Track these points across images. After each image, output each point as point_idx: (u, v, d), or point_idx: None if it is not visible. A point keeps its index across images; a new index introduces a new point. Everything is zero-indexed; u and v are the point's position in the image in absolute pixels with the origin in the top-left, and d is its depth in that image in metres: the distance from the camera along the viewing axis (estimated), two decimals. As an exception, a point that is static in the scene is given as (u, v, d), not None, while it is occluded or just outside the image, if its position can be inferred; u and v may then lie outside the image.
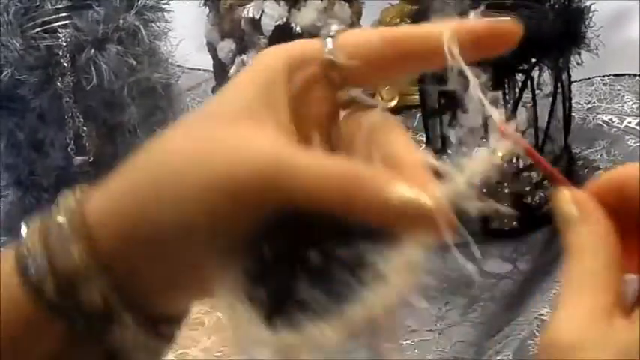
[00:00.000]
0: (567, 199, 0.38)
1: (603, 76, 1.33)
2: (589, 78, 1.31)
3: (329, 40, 0.42)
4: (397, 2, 1.34)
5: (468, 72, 0.40)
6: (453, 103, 1.04)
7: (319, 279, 0.39)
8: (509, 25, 0.41)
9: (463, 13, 0.85)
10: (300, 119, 0.42)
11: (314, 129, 0.42)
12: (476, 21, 0.41)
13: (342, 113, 0.44)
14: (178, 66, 1.22)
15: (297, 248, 0.39)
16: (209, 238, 0.39)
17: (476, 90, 0.40)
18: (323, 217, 0.38)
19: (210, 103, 0.42)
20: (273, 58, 0.42)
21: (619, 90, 1.31)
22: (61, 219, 0.41)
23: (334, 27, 0.40)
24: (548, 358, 0.34)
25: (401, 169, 0.39)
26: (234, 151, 0.39)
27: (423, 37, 0.41)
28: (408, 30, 0.42)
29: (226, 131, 0.40)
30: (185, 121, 0.42)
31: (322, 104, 0.43)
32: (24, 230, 0.42)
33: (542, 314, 0.89)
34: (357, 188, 0.38)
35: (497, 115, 0.39)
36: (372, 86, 0.43)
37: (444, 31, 0.40)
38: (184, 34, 1.14)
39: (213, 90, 1.26)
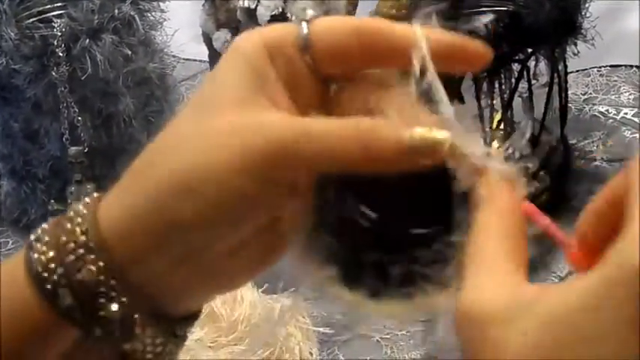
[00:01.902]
0: (481, 183, 0.38)
1: (600, 67, 1.33)
2: (586, 69, 1.31)
3: (304, 24, 0.42)
4: (393, -7, 1.33)
5: (436, 78, 0.40)
6: (449, 94, 1.03)
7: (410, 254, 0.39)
8: (481, 47, 0.42)
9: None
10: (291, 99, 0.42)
11: (305, 108, 0.42)
12: (452, 34, 0.41)
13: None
14: (174, 56, 1.21)
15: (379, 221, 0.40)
16: (240, 221, 0.40)
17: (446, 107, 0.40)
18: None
19: (203, 95, 0.42)
20: (251, 43, 0.41)
21: (615, 81, 1.31)
22: (76, 232, 0.40)
23: (309, 12, 0.40)
24: (466, 332, 0.34)
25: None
26: (249, 130, 0.39)
27: (396, 35, 0.41)
28: (384, 24, 0.41)
29: (233, 117, 0.39)
30: (186, 114, 0.41)
31: (306, 84, 0.43)
32: (35, 239, 0.42)
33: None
34: (372, 136, 0.38)
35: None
36: (343, 75, 0.43)
37: (418, 33, 0.40)
38: (179, 24, 1.13)
39: (209, 80, 1.25)
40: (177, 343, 0.44)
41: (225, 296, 0.86)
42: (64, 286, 0.40)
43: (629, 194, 0.33)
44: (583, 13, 1.04)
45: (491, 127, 1.05)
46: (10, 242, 1.09)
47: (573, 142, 1.17)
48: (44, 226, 0.42)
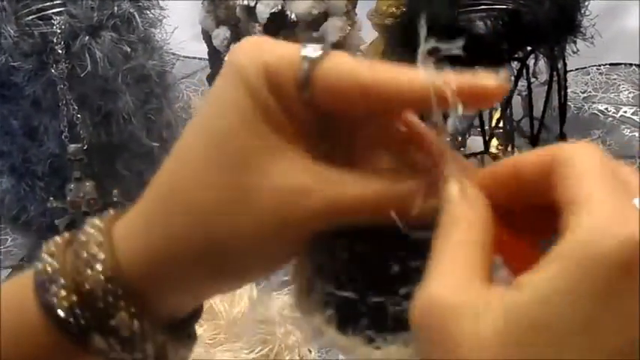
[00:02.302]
0: (452, 182, 0.38)
1: (599, 66, 1.33)
2: (585, 67, 1.31)
3: (306, 63, 0.39)
4: (393, -10, 1.33)
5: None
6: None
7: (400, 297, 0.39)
8: (496, 85, 0.39)
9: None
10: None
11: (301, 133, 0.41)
12: (463, 77, 0.38)
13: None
14: (173, 54, 1.21)
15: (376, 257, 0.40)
16: (255, 266, 0.41)
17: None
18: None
19: (215, 129, 0.40)
20: (254, 71, 0.39)
21: (615, 79, 1.31)
22: (99, 279, 0.40)
23: (317, 47, 0.37)
24: (425, 322, 0.33)
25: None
26: (279, 192, 0.39)
27: (405, 89, 0.38)
28: (393, 81, 0.38)
29: (260, 171, 0.39)
30: (200, 147, 0.40)
31: (303, 115, 0.41)
32: (48, 279, 0.41)
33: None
34: (398, 205, 0.38)
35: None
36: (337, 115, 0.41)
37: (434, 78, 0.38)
38: (179, 22, 1.13)
39: (208, 78, 1.25)
40: (190, 340, 0.45)
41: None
42: (95, 329, 0.40)
43: (570, 184, 0.34)
44: (582, 12, 1.04)
45: (490, 126, 1.05)
46: (9, 239, 1.09)
47: (573, 140, 1.16)
48: (52, 262, 0.42)
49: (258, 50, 0.40)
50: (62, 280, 0.41)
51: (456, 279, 0.34)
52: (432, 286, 0.34)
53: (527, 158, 0.37)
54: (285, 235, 0.39)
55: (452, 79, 0.38)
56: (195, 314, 0.46)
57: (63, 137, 1.02)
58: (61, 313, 0.40)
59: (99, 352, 0.41)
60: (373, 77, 0.39)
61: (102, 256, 0.41)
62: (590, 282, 0.31)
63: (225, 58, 0.41)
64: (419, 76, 0.38)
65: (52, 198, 1.05)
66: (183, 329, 0.44)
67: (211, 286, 0.43)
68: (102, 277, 0.40)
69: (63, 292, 0.40)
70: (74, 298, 0.40)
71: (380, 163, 0.43)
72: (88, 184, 1.03)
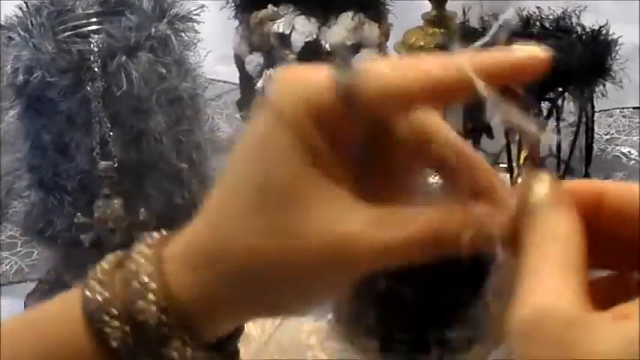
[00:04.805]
0: (546, 183, 0.37)
1: (623, 108, 1.34)
2: (609, 109, 1.32)
3: (343, 83, 0.40)
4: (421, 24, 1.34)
5: (495, 100, 0.39)
6: (477, 129, 1.04)
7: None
8: (536, 54, 0.40)
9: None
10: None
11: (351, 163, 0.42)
12: (499, 51, 0.40)
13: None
14: (204, 77, 1.22)
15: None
16: (300, 301, 0.43)
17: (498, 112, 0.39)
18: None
19: (260, 176, 0.41)
20: (296, 113, 0.40)
21: (638, 122, 1.32)
22: (148, 297, 0.41)
23: (341, 69, 0.37)
24: (534, 332, 0.32)
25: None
26: (326, 238, 0.39)
27: (446, 71, 0.40)
28: (430, 65, 0.40)
29: (307, 217, 0.40)
30: (244, 192, 0.41)
31: (352, 139, 0.42)
32: (93, 292, 0.42)
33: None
34: (441, 236, 0.39)
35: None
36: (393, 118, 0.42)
37: (465, 62, 0.39)
38: (205, 44, 1.14)
39: (239, 103, 1.26)
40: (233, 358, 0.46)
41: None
42: (136, 347, 0.41)
43: None
44: (613, 55, 1.05)
45: (518, 163, 1.06)
46: (35, 252, 1.09)
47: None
48: (102, 291, 0.42)
49: (295, 87, 0.40)
50: (114, 310, 0.41)
51: (569, 293, 0.33)
52: (539, 298, 0.33)
53: (616, 186, 0.38)
54: (331, 278, 0.40)
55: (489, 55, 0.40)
56: (237, 332, 0.47)
57: (94, 154, 1.03)
58: (113, 343, 0.41)
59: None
60: (415, 61, 0.41)
61: (153, 285, 0.41)
62: None
63: (264, 97, 0.41)
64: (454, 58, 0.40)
65: (79, 213, 1.05)
66: (227, 347, 0.45)
67: (257, 313, 0.45)
68: (155, 309, 0.41)
69: (116, 323, 0.41)
70: (127, 328, 0.41)
71: (417, 182, 0.44)
72: (115, 201, 1.03)
